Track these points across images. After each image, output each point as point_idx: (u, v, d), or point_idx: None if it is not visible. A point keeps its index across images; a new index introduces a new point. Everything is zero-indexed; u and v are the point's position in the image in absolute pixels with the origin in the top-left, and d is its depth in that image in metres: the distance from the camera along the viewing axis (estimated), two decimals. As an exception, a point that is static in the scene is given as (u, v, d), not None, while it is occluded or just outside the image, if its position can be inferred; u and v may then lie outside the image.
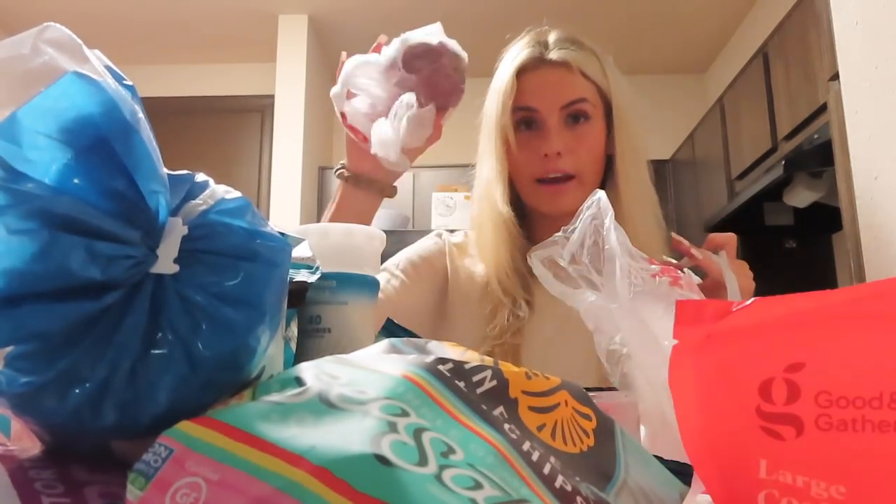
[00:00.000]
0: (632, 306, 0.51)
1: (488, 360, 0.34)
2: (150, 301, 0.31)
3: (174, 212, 0.34)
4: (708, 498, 0.36)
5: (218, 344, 0.31)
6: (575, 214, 0.56)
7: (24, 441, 0.36)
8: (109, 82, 0.31)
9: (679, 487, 0.36)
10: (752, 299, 0.36)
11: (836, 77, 1.70)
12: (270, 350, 0.35)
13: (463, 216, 3.28)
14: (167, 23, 3.92)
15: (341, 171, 0.86)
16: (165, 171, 0.33)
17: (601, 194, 0.55)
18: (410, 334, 0.54)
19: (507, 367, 0.34)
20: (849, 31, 1.51)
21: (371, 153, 0.78)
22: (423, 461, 0.24)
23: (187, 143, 4.03)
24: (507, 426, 0.30)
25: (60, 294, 0.29)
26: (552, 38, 0.97)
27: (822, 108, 2.20)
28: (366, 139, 0.78)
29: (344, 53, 0.81)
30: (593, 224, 0.54)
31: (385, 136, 0.75)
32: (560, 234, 0.56)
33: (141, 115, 0.32)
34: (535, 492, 0.27)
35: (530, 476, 0.28)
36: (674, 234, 0.88)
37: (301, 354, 0.47)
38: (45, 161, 0.29)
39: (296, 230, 0.46)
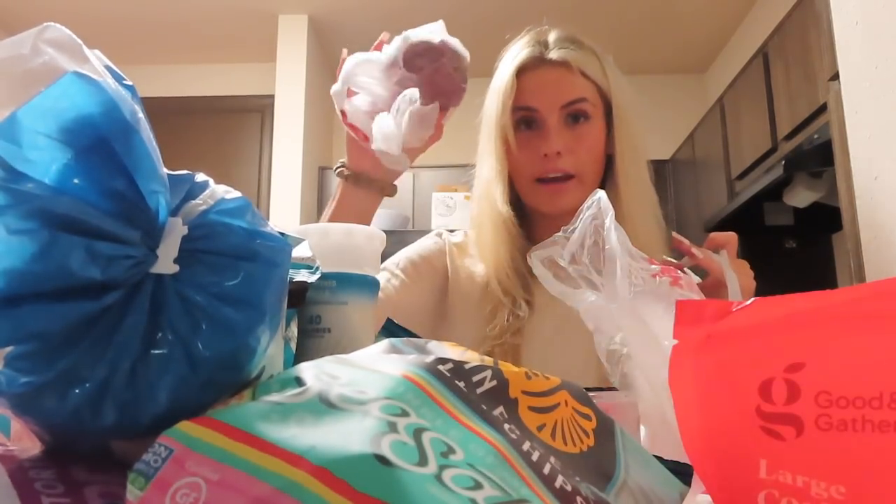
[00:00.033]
0: (632, 306, 0.51)
1: (488, 360, 0.34)
2: (150, 301, 0.31)
3: (174, 212, 0.34)
4: (708, 498, 0.36)
5: (218, 344, 0.31)
6: (575, 214, 0.56)
7: (24, 441, 0.36)
8: (109, 82, 0.31)
9: (679, 487, 0.36)
10: (753, 299, 0.36)
11: (836, 77, 1.70)
12: (270, 350, 0.35)
13: (463, 216, 3.28)
14: (167, 23, 3.92)
15: (341, 169, 0.86)
16: (165, 171, 0.33)
17: (601, 194, 0.55)
18: (410, 334, 0.54)
19: (507, 367, 0.34)
20: (849, 31, 1.51)
21: (371, 151, 0.78)
22: (423, 461, 0.24)
23: (187, 143, 4.03)
24: (507, 426, 0.30)
25: (60, 294, 0.29)
26: (552, 37, 0.97)
27: (822, 108, 2.20)
28: (366, 138, 0.78)
29: (345, 51, 0.81)
30: (593, 224, 0.54)
31: (387, 129, 0.74)
32: (560, 234, 0.56)
33: (141, 115, 0.32)
34: (535, 492, 0.27)
35: (530, 476, 0.28)
36: (674, 234, 0.88)
37: (301, 354, 0.47)
38: (45, 161, 0.29)
39: (296, 230, 0.46)
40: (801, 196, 2.51)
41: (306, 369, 0.30)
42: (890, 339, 0.31)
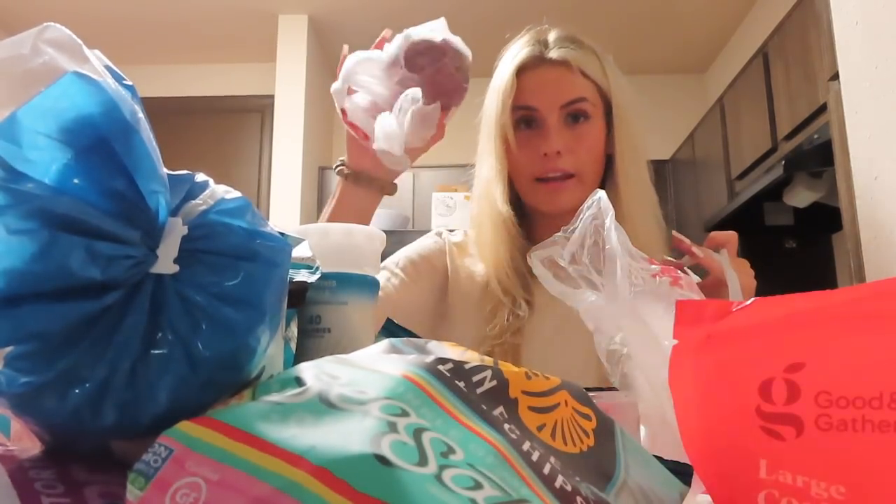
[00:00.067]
0: (632, 306, 0.51)
1: (488, 360, 0.34)
2: (150, 301, 0.31)
3: (174, 212, 0.34)
4: (708, 498, 0.36)
5: (218, 344, 0.31)
6: (574, 213, 0.56)
7: (24, 441, 0.36)
8: (109, 82, 0.31)
9: (679, 487, 0.36)
10: (753, 299, 0.36)
11: (836, 77, 1.70)
12: (270, 350, 0.35)
13: (463, 216, 3.28)
14: (167, 23, 3.92)
15: (341, 168, 0.85)
16: (165, 171, 0.33)
17: (601, 194, 0.55)
18: (410, 334, 0.54)
19: (507, 367, 0.34)
20: (849, 31, 1.51)
21: (372, 150, 0.77)
22: (423, 461, 0.24)
23: (187, 143, 4.03)
24: (507, 426, 0.30)
25: (60, 294, 0.29)
26: (552, 36, 0.97)
27: (822, 108, 2.20)
28: (367, 137, 0.78)
29: (346, 47, 0.80)
30: (594, 224, 0.54)
31: (389, 129, 0.74)
32: (560, 234, 0.56)
33: (141, 115, 0.32)
34: (535, 492, 0.27)
35: (530, 476, 0.28)
36: (674, 233, 0.88)
37: (301, 354, 0.47)
38: (45, 161, 0.29)
39: (296, 230, 0.46)
40: (801, 196, 2.51)
41: (306, 369, 0.30)
42: (890, 339, 0.31)
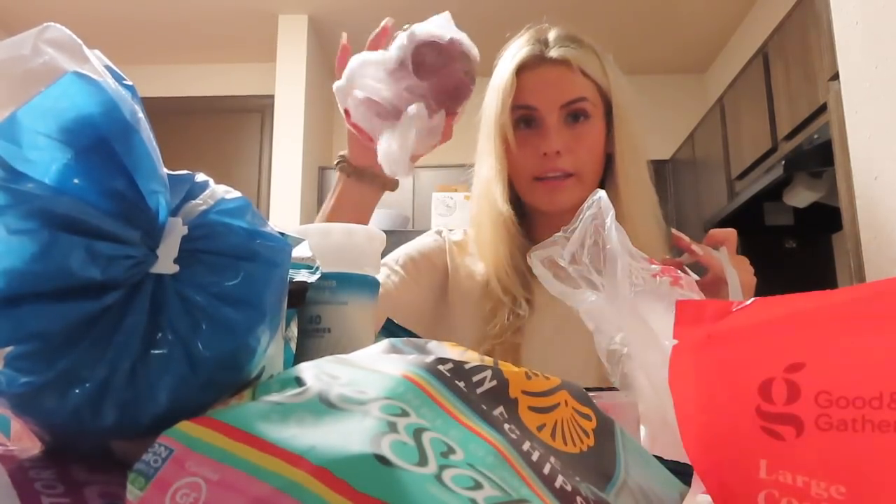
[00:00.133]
0: (633, 306, 0.51)
1: (488, 360, 0.34)
2: (150, 301, 0.31)
3: (174, 212, 0.34)
4: (708, 498, 0.36)
5: (218, 344, 0.31)
6: (574, 213, 0.56)
7: (24, 441, 0.36)
8: (109, 82, 0.31)
9: (679, 487, 0.36)
10: (752, 299, 0.36)
11: (836, 77, 1.70)
12: (270, 350, 0.35)
13: (463, 216, 3.28)
14: (167, 23, 3.92)
15: (343, 164, 0.85)
16: (165, 171, 0.33)
17: (602, 194, 0.55)
18: (410, 334, 0.54)
19: (507, 367, 0.34)
20: (849, 31, 1.51)
21: (374, 148, 0.76)
22: (423, 461, 0.24)
23: (187, 143, 4.03)
24: (507, 426, 0.30)
25: (60, 294, 0.29)
26: (552, 35, 0.97)
27: (822, 108, 2.20)
28: (370, 138, 0.77)
29: (344, 35, 0.79)
30: (594, 224, 0.54)
31: (392, 152, 0.72)
32: (560, 233, 0.56)
33: (141, 115, 0.32)
34: (535, 492, 0.27)
35: (530, 476, 0.28)
36: (674, 230, 0.88)
37: (301, 354, 0.47)
38: (45, 161, 0.29)
39: (296, 230, 0.46)
40: (801, 196, 2.51)
41: (306, 369, 0.30)
42: (890, 339, 0.31)
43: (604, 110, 0.97)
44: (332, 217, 0.84)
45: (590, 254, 0.53)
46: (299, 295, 0.44)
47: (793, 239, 3.04)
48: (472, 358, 0.34)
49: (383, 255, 0.68)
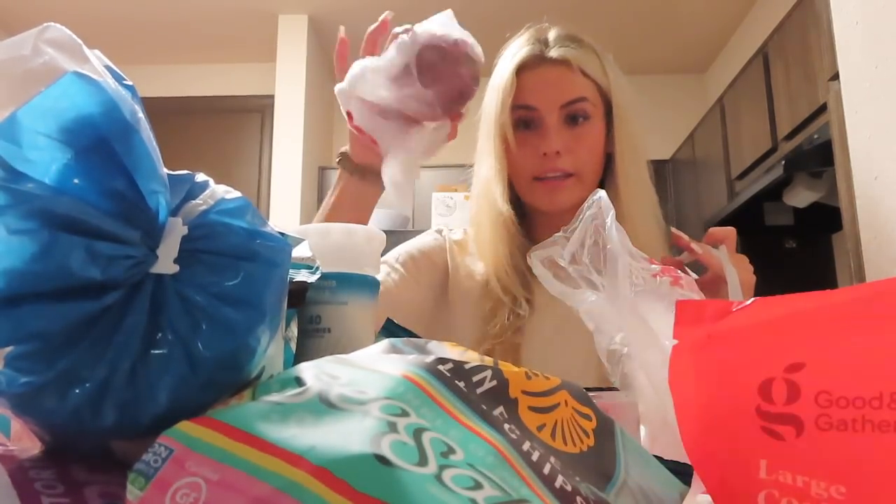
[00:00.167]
0: (633, 306, 0.51)
1: (488, 360, 0.34)
2: (150, 301, 0.31)
3: (174, 212, 0.34)
4: (708, 498, 0.36)
5: (218, 344, 0.31)
6: (573, 213, 0.56)
7: (24, 441, 0.36)
8: (109, 82, 0.31)
9: (679, 487, 0.36)
10: (752, 299, 0.36)
11: (836, 77, 1.70)
12: (270, 350, 0.35)
13: (463, 216, 3.28)
14: (167, 23, 3.92)
15: (344, 161, 0.84)
16: (165, 171, 0.33)
17: (602, 194, 0.55)
18: (410, 334, 0.53)
19: (507, 367, 0.34)
20: (849, 31, 1.51)
21: (377, 147, 0.76)
22: (423, 461, 0.24)
23: (187, 143, 4.03)
24: (507, 426, 0.30)
25: (60, 294, 0.29)
26: (552, 35, 0.97)
27: (822, 108, 2.20)
28: (373, 141, 0.76)
29: (342, 28, 0.79)
30: (594, 224, 0.54)
31: (399, 184, 0.72)
32: (560, 233, 0.56)
33: (141, 115, 0.32)
34: (535, 492, 0.27)
35: (530, 476, 0.28)
36: (673, 229, 0.88)
37: (301, 354, 0.47)
38: (45, 161, 0.29)
39: (296, 230, 0.46)
40: (801, 196, 2.51)
41: (306, 369, 0.30)
42: (890, 339, 0.31)
43: (604, 110, 0.97)
44: (333, 214, 0.84)
45: (590, 254, 0.53)
46: (299, 295, 0.44)
47: (793, 239, 3.04)
48: (472, 358, 0.34)
49: (383, 254, 0.67)
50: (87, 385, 0.29)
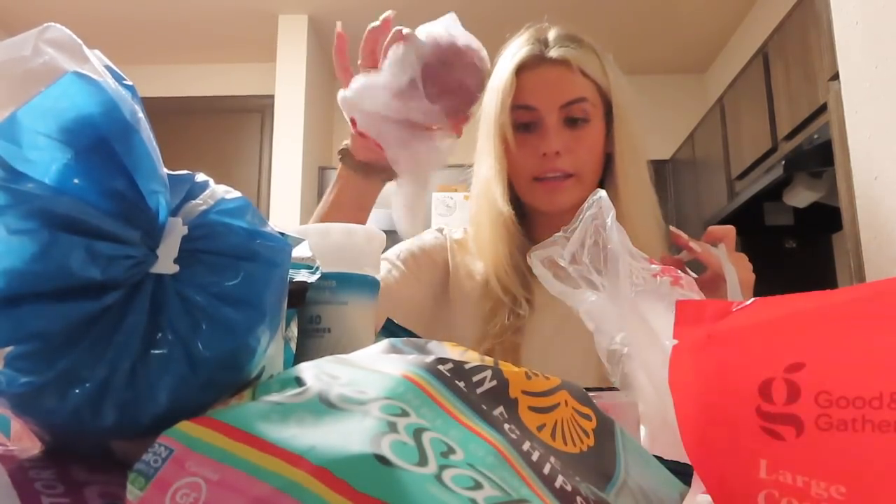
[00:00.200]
0: (633, 306, 0.51)
1: (488, 360, 0.34)
2: (150, 301, 0.31)
3: (174, 212, 0.34)
4: (708, 498, 0.36)
5: (218, 344, 0.31)
6: (573, 213, 0.56)
7: (24, 441, 0.36)
8: (109, 82, 0.31)
9: (679, 487, 0.36)
10: (752, 299, 0.36)
11: (836, 77, 1.70)
12: (270, 350, 0.35)
13: (463, 216, 3.27)
14: (167, 23, 3.92)
15: (347, 158, 0.84)
16: (165, 171, 0.33)
17: (602, 194, 0.55)
18: (410, 334, 0.53)
19: (507, 367, 0.34)
20: (849, 31, 1.51)
21: (379, 145, 0.75)
22: (423, 461, 0.24)
23: (187, 143, 4.03)
24: (507, 426, 0.30)
25: (60, 294, 0.29)
26: (552, 35, 0.97)
27: (822, 108, 2.20)
28: (378, 145, 0.75)
29: (339, 24, 0.78)
30: (594, 224, 0.54)
31: (411, 211, 0.72)
32: (560, 233, 0.56)
33: (141, 115, 0.32)
34: (535, 492, 0.27)
35: (530, 476, 0.28)
36: (672, 228, 0.88)
37: (301, 354, 0.47)
38: (45, 161, 0.29)
39: (296, 230, 0.46)
40: (801, 196, 2.51)
41: (306, 369, 0.30)
42: (890, 339, 0.31)
43: (604, 110, 0.96)
44: (333, 211, 0.84)
45: (590, 254, 0.53)
46: (299, 295, 0.44)
47: (793, 239, 3.04)
48: (472, 358, 0.34)
49: (383, 253, 0.67)
50: (87, 385, 0.29)
